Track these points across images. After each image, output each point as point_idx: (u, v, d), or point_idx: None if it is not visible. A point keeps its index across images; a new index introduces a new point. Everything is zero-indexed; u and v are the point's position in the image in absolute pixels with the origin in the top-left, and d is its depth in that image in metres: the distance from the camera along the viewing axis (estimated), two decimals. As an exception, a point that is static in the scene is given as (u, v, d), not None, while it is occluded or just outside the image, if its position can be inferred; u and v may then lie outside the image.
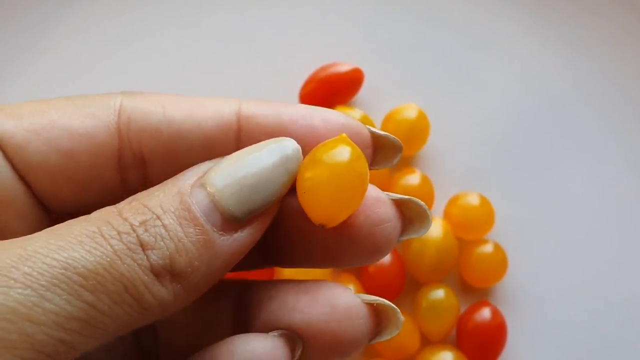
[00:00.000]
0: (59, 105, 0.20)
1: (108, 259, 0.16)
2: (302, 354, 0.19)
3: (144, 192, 0.18)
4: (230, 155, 0.19)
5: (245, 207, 0.18)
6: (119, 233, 0.17)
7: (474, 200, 0.36)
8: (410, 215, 0.19)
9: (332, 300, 0.19)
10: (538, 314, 0.36)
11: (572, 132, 0.38)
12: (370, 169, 0.19)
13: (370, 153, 0.20)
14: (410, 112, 0.37)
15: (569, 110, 0.39)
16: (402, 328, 0.34)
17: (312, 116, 0.19)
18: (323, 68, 0.38)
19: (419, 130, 0.37)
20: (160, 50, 0.39)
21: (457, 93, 0.39)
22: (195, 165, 0.19)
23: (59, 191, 0.20)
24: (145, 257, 0.17)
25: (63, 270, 0.16)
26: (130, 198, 0.18)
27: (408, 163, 0.38)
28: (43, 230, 0.17)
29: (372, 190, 0.19)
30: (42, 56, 0.39)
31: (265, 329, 0.19)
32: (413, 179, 0.36)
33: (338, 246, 0.19)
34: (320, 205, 0.18)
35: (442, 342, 0.35)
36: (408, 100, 0.38)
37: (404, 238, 0.20)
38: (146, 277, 0.17)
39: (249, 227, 0.18)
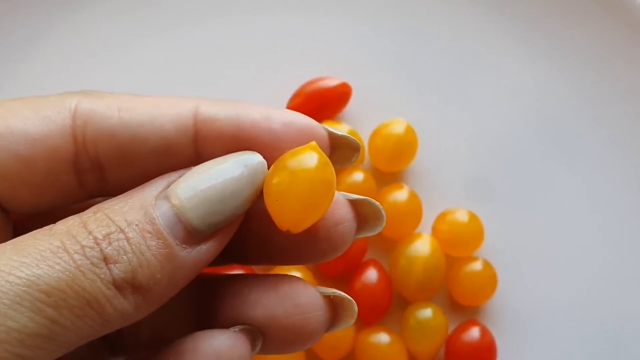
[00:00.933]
0: (16, 109, 0.19)
1: (70, 275, 0.17)
2: (262, 347, 0.19)
3: (109, 202, 0.18)
4: (196, 167, 0.19)
5: (209, 220, 0.18)
6: (82, 247, 0.17)
7: (462, 216, 0.36)
8: (365, 214, 0.20)
9: (293, 295, 0.19)
10: (528, 333, 0.36)
11: (563, 147, 0.38)
12: None
13: (328, 153, 0.20)
14: (398, 127, 0.36)
15: (559, 125, 0.38)
16: (390, 348, 0.34)
17: (271, 117, 0.19)
18: (310, 82, 0.38)
19: (407, 145, 0.36)
20: (147, 61, 0.39)
21: (446, 107, 0.38)
22: (161, 176, 0.19)
23: (16, 195, 0.20)
24: (107, 271, 0.17)
25: (26, 288, 0.16)
26: (95, 207, 0.18)
27: (396, 178, 0.37)
28: (8, 242, 0.17)
29: None
30: (36, 58, 0.38)
31: (228, 324, 0.19)
32: (401, 194, 0.36)
33: (296, 247, 0.20)
34: (287, 212, 0.18)
35: (430, 362, 0.35)
36: (396, 115, 0.37)
37: (360, 236, 0.20)
38: (108, 291, 0.17)
39: (212, 240, 0.18)
